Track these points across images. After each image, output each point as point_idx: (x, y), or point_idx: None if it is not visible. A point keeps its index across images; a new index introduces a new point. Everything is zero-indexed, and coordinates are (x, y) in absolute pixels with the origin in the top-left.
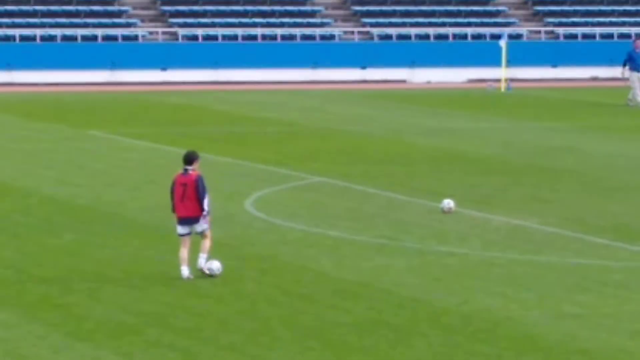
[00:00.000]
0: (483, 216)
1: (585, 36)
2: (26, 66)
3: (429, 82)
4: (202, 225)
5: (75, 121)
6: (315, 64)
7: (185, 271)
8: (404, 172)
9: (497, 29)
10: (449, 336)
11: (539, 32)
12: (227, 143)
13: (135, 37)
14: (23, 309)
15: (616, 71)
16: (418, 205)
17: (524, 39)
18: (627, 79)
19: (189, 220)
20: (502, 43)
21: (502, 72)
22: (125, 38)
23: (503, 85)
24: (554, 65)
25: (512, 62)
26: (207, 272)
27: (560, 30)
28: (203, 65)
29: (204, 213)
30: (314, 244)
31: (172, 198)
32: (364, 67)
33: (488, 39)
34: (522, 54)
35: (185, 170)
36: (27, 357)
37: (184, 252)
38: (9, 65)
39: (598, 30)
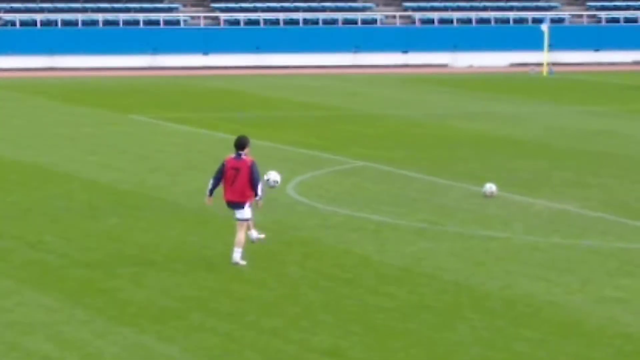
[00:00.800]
0: (525, 200)
1: (627, 20)
2: (68, 51)
3: (470, 66)
4: (243, 214)
5: (117, 106)
6: (357, 48)
7: (237, 255)
8: (446, 156)
9: (539, 13)
10: (491, 320)
11: (581, 16)
12: (269, 127)
13: (177, 22)
14: (66, 294)
15: None
16: (460, 190)
17: (566, 23)
18: None
19: (234, 204)
20: (544, 27)
21: (544, 56)
22: (167, 23)
23: (545, 70)
24: (596, 49)
25: (554, 46)
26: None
27: (603, 14)
28: (244, 49)
29: (257, 198)
30: (357, 228)
31: (215, 179)
32: (405, 52)
33: (530, 23)
34: (564, 38)
35: (239, 155)
36: (70, 341)
37: (240, 235)
38: (51, 50)
39: None
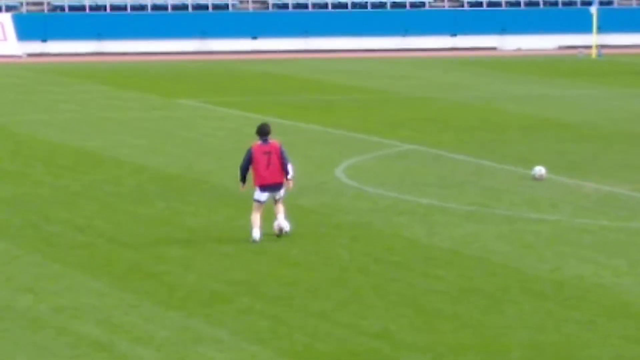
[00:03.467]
0: (574, 183)
1: None
2: (116, 36)
3: (519, 49)
4: (282, 192)
5: (165, 90)
6: (406, 31)
7: (256, 233)
8: (495, 139)
9: None
10: (540, 303)
11: None
12: (317, 111)
13: (226, 6)
14: (115, 278)
15: None
16: (508, 172)
17: (615, 5)
18: None
19: (274, 186)
20: (593, 9)
21: (592, 39)
22: (216, 7)
23: (594, 52)
24: None
25: (602, 28)
26: (284, 230)
27: None
28: (293, 33)
29: (289, 177)
30: (405, 211)
31: (244, 168)
32: (454, 35)
33: (579, 6)
34: (613, 21)
35: (265, 140)
36: (119, 325)
37: (256, 217)
38: (99, 35)
39: None
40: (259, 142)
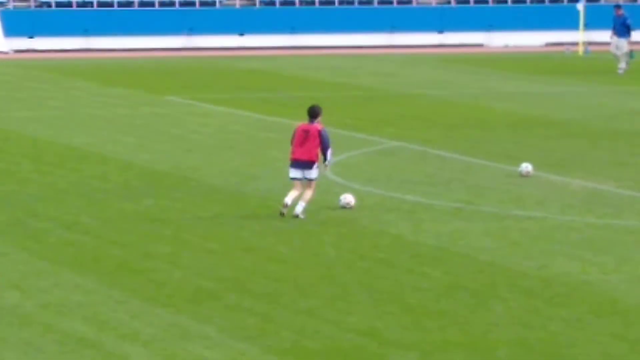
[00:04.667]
0: (561, 180)
1: None
2: (103, 32)
3: (506, 46)
4: (313, 173)
5: (153, 87)
6: (393, 28)
7: (289, 199)
8: (482, 136)
9: None
10: (527, 300)
11: None
12: (303, 108)
13: (213, 3)
14: (102, 275)
15: None
16: (496, 170)
17: (602, 2)
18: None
19: (303, 163)
20: (580, 6)
21: (579, 36)
22: (203, 3)
23: (581, 49)
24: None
25: (589, 25)
26: (298, 214)
27: None
28: (280, 30)
29: (326, 162)
30: (392, 208)
31: (292, 145)
32: (441, 31)
33: (565, 3)
34: (599, 17)
35: (311, 122)
36: (106, 322)
37: (294, 193)
38: (86, 31)
39: None
40: (305, 122)
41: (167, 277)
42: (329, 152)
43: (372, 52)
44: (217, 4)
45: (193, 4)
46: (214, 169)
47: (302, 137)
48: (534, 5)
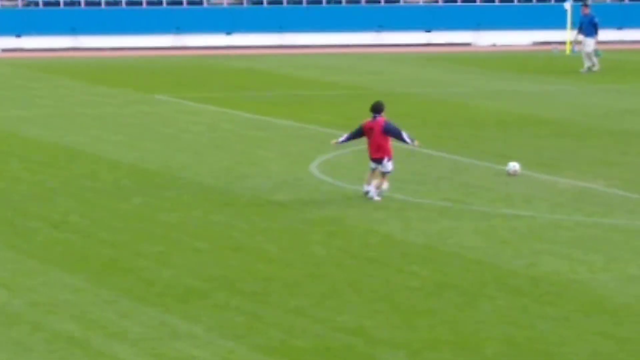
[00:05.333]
0: (550, 179)
1: None
2: (91, 31)
3: (494, 45)
4: (386, 167)
5: (141, 86)
6: (380, 27)
7: (368, 188)
8: (470, 135)
9: None
10: (516, 299)
11: None
12: (293, 107)
13: (200, 2)
14: (91, 274)
15: None
16: (484, 168)
17: (589, 1)
18: (579, 42)
19: (375, 160)
20: (567, 5)
21: (567, 35)
22: (190, 2)
23: (568, 48)
24: (619, 28)
25: (577, 24)
26: (369, 194)
27: None
28: (268, 29)
29: (410, 143)
30: (381, 207)
31: (349, 135)
32: (429, 30)
33: (553, 2)
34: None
35: (374, 117)
36: (95, 321)
37: (370, 178)
38: (74, 30)
39: None
40: (369, 119)
41: (156, 276)
42: (404, 136)
43: (360, 51)
44: (205, 2)
45: (181, 2)
46: (203, 167)
47: (369, 136)
48: (522, 4)
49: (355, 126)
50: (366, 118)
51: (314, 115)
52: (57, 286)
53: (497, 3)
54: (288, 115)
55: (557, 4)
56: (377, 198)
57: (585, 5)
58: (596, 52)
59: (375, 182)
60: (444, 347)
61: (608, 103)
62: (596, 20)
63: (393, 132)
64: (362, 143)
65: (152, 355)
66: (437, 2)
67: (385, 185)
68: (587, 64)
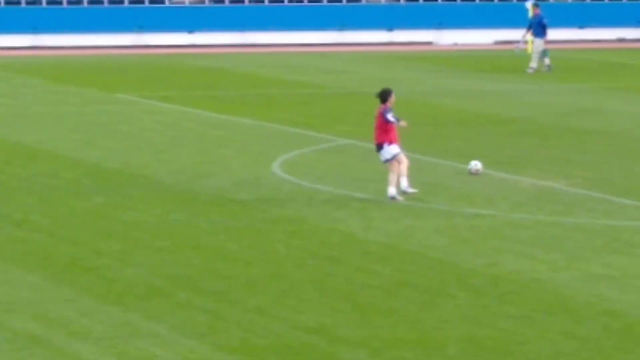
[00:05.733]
0: (511, 178)
1: None
2: (53, 29)
3: (455, 44)
4: (383, 155)
5: (103, 84)
6: (342, 26)
7: (391, 191)
8: (432, 134)
9: None
10: (477, 298)
11: None
12: (254, 105)
13: (162, 0)
14: (52, 272)
15: None
16: (446, 167)
17: (551, 0)
18: (526, 42)
19: (377, 146)
20: (529, 4)
21: (529, 34)
22: (152, 1)
23: (530, 47)
24: (581, 27)
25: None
26: (410, 191)
27: None
28: (230, 27)
29: (396, 122)
30: (342, 206)
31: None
32: (390, 29)
33: (515, 1)
34: (548, 16)
35: (381, 105)
36: (55, 319)
37: (391, 176)
38: (35, 29)
39: None
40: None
41: (118, 274)
42: (389, 116)
43: (322, 50)
44: (167, 1)
45: (142, 1)
46: (164, 166)
47: (374, 123)
48: (483, 3)
49: (316, 125)
50: (329, 117)
51: (276, 114)
52: (17, 285)
53: (458, 2)
54: (250, 114)
55: (518, 2)
56: (399, 197)
57: (535, 6)
58: (544, 52)
59: (393, 177)
60: (405, 345)
61: (569, 102)
62: (545, 21)
63: (384, 114)
64: (323, 142)
65: (114, 354)
66: (398, 1)
67: (390, 177)
68: (533, 64)
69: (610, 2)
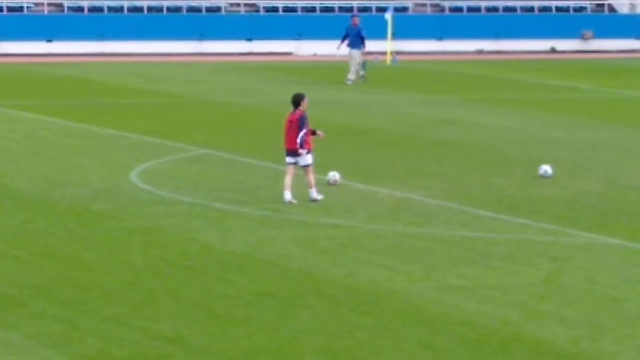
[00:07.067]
0: (369, 188)
1: (470, 9)
2: None
3: (315, 55)
4: (304, 160)
5: None
6: (202, 36)
7: (287, 195)
8: None
9: (383, 2)
10: (334, 308)
11: (425, 5)
12: (112, 115)
13: (21, 8)
14: None
15: (501, 44)
16: (303, 178)
17: (410, 12)
18: (343, 55)
19: (291, 152)
20: (388, 16)
21: (387, 45)
22: (10, 9)
23: (389, 58)
24: (440, 39)
25: (397, 35)
26: (321, 197)
27: (446, 4)
28: (89, 36)
29: (298, 142)
30: (200, 216)
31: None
32: (250, 40)
33: (374, 12)
34: (407, 27)
35: (294, 110)
36: None
37: (287, 179)
38: None
39: (483, 3)
40: (291, 110)
41: None
42: (299, 136)
43: (181, 60)
44: (25, 9)
45: (0, 9)
46: (21, 175)
47: (287, 128)
48: (342, 14)
49: (174, 135)
50: (188, 126)
51: (134, 123)
52: None
53: (318, 13)
54: (108, 123)
55: (377, 14)
56: (319, 197)
57: (355, 16)
58: (363, 65)
59: (289, 180)
60: (262, 355)
61: (426, 113)
62: (364, 33)
63: (299, 127)
64: (181, 151)
65: None
66: (258, 11)
67: (311, 179)
68: (351, 75)
69: (468, 14)
